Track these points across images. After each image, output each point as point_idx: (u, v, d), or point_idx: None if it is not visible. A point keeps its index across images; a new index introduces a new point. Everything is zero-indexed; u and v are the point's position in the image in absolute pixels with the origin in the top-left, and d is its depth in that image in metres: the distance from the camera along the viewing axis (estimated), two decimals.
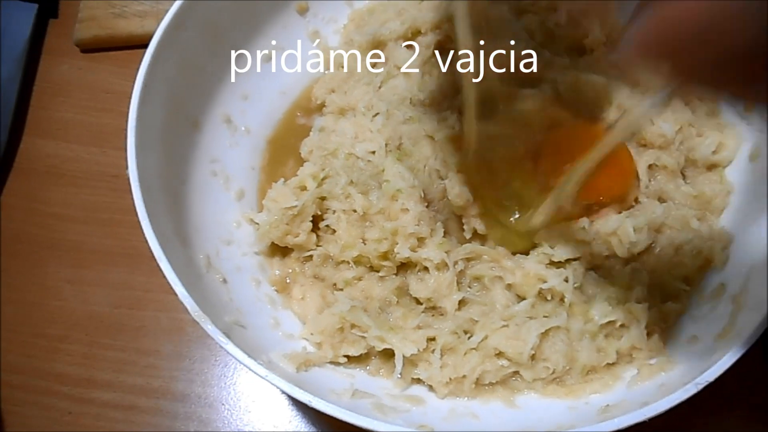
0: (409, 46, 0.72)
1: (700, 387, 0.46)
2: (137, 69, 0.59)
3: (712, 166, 0.66)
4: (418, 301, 0.61)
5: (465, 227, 0.63)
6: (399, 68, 0.71)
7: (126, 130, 0.56)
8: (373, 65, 0.72)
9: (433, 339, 0.58)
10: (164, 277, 0.51)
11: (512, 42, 0.68)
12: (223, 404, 0.66)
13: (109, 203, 0.75)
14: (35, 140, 0.80)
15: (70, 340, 0.69)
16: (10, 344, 0.69)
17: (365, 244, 0.61)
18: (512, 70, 0.69)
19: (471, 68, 0.68)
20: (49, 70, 0.84)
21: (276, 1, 0.73)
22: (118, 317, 0.70)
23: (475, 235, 0.63)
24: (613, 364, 0.57)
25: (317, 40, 0.76)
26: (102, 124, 0.80)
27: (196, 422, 0.66)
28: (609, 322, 0.58)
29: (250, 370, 0.48)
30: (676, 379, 0.52)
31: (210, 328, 0.49)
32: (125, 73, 0.71)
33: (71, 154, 0.78)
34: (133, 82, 0.59)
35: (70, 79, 0.83)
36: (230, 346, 0.48)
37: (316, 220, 0.64)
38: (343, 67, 0.73)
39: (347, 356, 0.59)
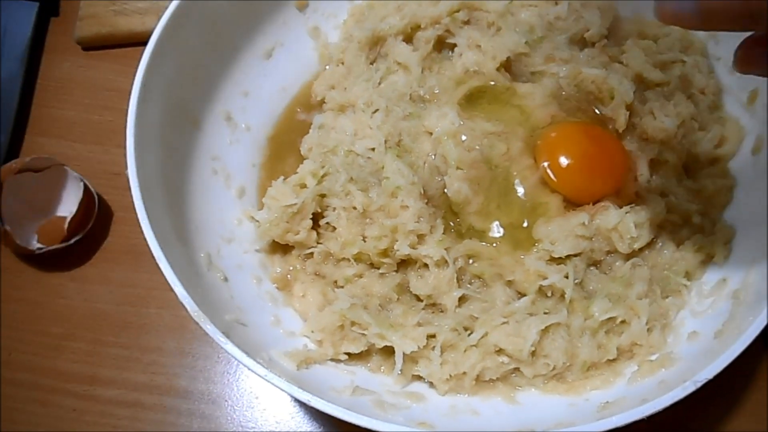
0: (409, 42, 0.71)
1: (699, 384, 0.46)
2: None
3: (714, 160, 0.65)
4: (418, 298, 0.61)
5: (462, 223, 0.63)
6: (398, 64, 0.70)
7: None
8: (373, 61, 0.72)
9: (434, 336, 0.58)
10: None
11: (513, 36, 0.68)
12: (225, 401, 0.67)
13: (111, 201, 0.76)
14: (37, 139, 0.80)
15: (74, 337, 0.70)
16: (14, 342, 0.69)
17: (365, 241, 0.61)
18: (512, 64, 0.69)
19: (470, 63, 0.68)
20: (50, 68, 0.84)
21: None
22: (121, 315, 0.70)
23: (474, 232, 0.62)
24: (613, 360, 0.58)
25: (317, 36, 0.76)
26: (104, 121, 0.80)
27: (199, 419, 0.66)
28: (609, 319, 0.58)
29: (250, 369, 0.48)
30: (676, 376, 0.52)
31: (209, 327, 0.49)
32: (127, 71, 0.70)
33: (73, 152, 0.78)
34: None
35: (72, 77, 0.83)
36: (230, 346, 0.49)
37: (316, 218, 0.64)
38: (342, 63, 0.73)
39: (348, 353, 0.59)
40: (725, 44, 0.66)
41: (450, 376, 0.57)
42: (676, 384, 0.47)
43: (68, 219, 0.69)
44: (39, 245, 0.69)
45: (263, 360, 0.52)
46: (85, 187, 0.70)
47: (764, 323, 0.48)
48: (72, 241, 0.70)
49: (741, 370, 0.64)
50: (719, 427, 0.63)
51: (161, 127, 0.62)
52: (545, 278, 0.58)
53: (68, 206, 0.71)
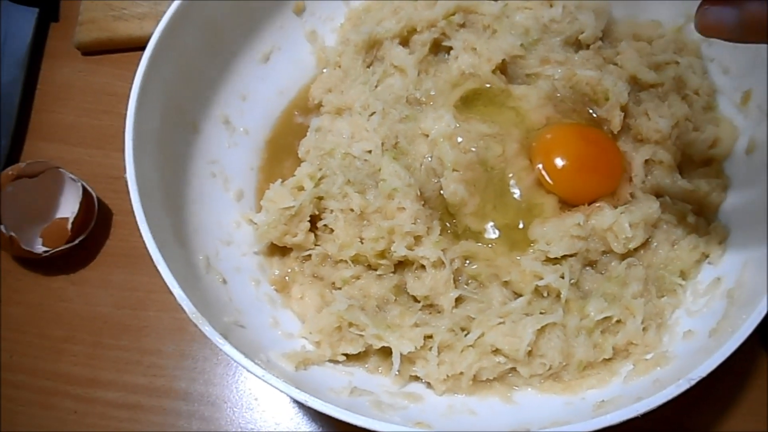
0: (405, 45, 0.72)
1: (693, 382, 0.46)
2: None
3: (708, 161, 0.66)
4: (415, 299, 0.62)
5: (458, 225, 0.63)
6: (395, 67, 0.71)
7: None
8: (370, 64, 0.73)
9: (431, 336, 0.58)
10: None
11: (508, 38, 0.69)
12: (225, 402, 0.67)
13: (111, 205, 0.76)
14: (38, 143, 0.81)
15: (74, 340, 0.70)
16: (15, 345, 0.70)
17: (362, 243, 0.61)
18: (508, 66, 0.69)
19: (466, 65, 0.68)
20: (50, 73, 0.85)
21: (273, 2, 0.73)
22: (121, 317, 0.71)
23: (470, 233, 0.63)
24: (609, 359, 0.58)
25: (314, 40, 0.76)
26: (103, 126, 0.81)
27: (198, 421, 0.67)
28: (605, 318, 0.58)
29: (248, 370, 0.49)
30: (671, 374, 0.52)
31: (207, 329, 0.50)
32: (126, 75, 0.72)
33: (73, 156, 0.79)
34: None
35: (72, 82, 0.84)
36: (227, 347, 0.49)
37: (314, 220, 0.64)
38: (339, 66, 0.73)
39: (346, 354, 0.59)
40: (719, 46, 0.67)
41: (447, 376, 0.57)
42: (670, 382, 0.48)
43: (71, 219, 0.69)
44: (44, 248, 0.70)
45: (261, 361, 0.52)
46: (84, 188, 0.71)
47: (758, 322, 0.48)
48: (76, 241, 0.70)
49: (738, 369, 0.64)
50: (716, 426, 0.63)
51: (160, 130, 0.62)
52: (541, 278, 0.59)
53: (68, 208, 0.71)
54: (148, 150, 0.60)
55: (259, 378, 0.49)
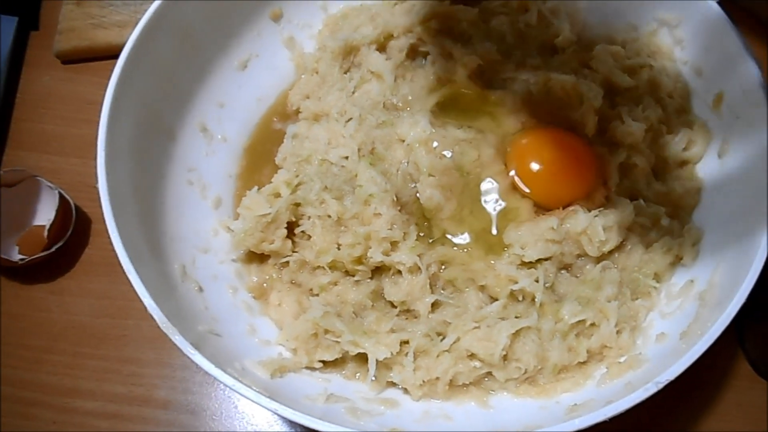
0: (382, 51, 0.72)
1: (661, 386, 0.47)
2: None
3: (682, 163, 0.66)
4: (392, 305, 0.62)
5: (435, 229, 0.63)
6: (372, 73, 0.71)
7: None
8: (347, 70, 0.73)
9: (407, 342, 0.59)
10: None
11: (484, 44, 0.69)
12: (204, 411, 0.67)
13: (90, 213, 0.76)
14: (17, 152, 0.80)
15: (53, 350, 0.70)
16: None
17: (340, 249, 0.61)
18: (484, 71, 0.70)
19: (442, 71, 0.69)
20: (30, 82, 0.84)
21: (250, 8, 0.73)
22: (100, 327, 0.70)
23: (446, 237, 0.63)
24: (583, 362, 0.58)
25: (292, 46, 0.77)
26: (83, 135, 0.81)
27: (178, 429, 0.66)
28: (579, 321, 0.58)
29: (217, 379, 0.49)
30: (642, 377, 0.53)
31: (178, 338, 0.50)
32: (106, 84, 0.72)
33: (53, 165, 0.79)
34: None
35: (52, 91, 0.84)
36: (198, 357, 0.49)
37: (291, 227, 0.64)
38: (317, 72, 0.73)
39: (323, 361, 0.59)
40: (691, 48, 0.67)
41: (423, 381, 0.57)
42: (642, 385, 0.48)
43: (47, 226, 0.69)
44: (21, 256, 0.69)
45: (236, 370, 0.52)
46: (60, 195, 0.71)
47: (726, 324, 0.49)
48: (53, 248, 0.70)
49: (715, 370, 0.65)
50: (693, 426, 0.64)
51: (134, 139, 0.62)
52: (516, 282, 0.59)
53: (45, 215, 0.71)
54: (122, 159, 0.60)
55: (230, 387, 0.49)
